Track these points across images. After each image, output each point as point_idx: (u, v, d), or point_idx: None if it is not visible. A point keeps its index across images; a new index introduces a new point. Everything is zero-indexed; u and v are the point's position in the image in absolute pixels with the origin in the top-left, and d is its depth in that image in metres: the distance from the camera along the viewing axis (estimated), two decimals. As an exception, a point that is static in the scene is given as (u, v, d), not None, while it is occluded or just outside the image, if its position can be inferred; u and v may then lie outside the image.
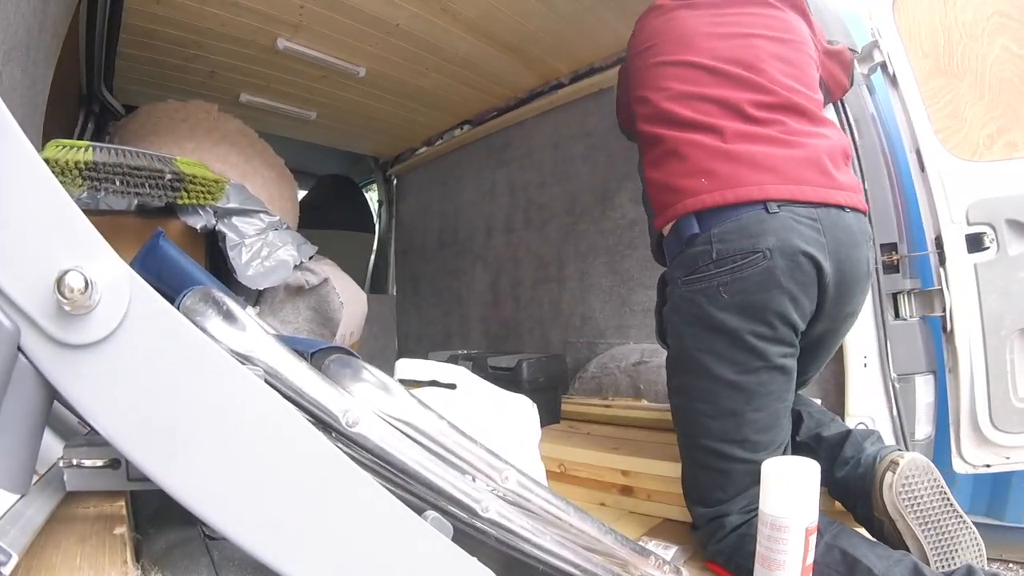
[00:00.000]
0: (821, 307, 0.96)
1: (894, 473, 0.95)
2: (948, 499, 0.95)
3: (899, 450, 1.01)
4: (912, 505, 0.94)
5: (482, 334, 2.69)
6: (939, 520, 0.94)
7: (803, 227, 0.92)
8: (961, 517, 0.95)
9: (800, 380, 1.05)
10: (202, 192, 1.35)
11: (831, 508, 1.15)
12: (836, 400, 1.34)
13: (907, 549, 0.94)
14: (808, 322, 0.96)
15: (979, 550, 0.95)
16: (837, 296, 0.97)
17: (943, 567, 0.93)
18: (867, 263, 1.01)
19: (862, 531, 1.03)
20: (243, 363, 0.48)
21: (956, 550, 0.95)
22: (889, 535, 0.97)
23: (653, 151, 1.05)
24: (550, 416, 1.68)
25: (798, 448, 1.11)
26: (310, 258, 1.69)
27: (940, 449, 1.27)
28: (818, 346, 1.04)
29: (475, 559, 0.51)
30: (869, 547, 0.88)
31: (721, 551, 0.97)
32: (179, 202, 1.32)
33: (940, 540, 0.94)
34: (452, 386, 1.04)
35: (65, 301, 0.35)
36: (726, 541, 0.96)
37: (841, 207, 0.96)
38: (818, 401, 1.27)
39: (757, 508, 0.85)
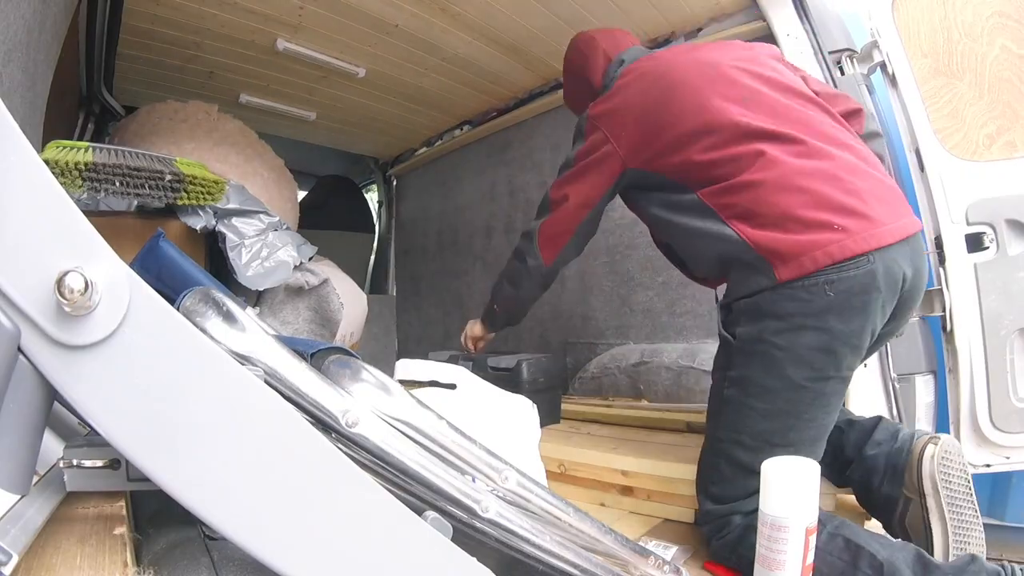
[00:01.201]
0: (895, 313, 0.98)
1: (936, 446, 0.97)
2: (971, 488, 0.98)
3: (935, 434, 1.03)
4: (946, 481, 0.96)
5: (482, 334, 2.69)
6: (962, 506, 0.97)
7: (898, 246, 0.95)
8: (976, 510, 0.98)
9: None
10: (202, 193, 1.35)
11: (831, 508, 1.16)
12: (836, 400, 1.34)
13: (929, 532, 0.95)
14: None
15: (982, 549, 0.96)
16: (909, 301, 0.99)
17: (959, 553, 0.95)
18: (929, 274, 1.04)
19: (870, 527, 1.04)
20: (243, 364, 0.48)
21: (968, 542, 0.96)
22: (912, 517, 0.98)
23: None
24: (550, 416, 1.67)
25: None
26: (310, 259, 1.69)
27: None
28: (871, 349, 1.05)
29: (475, 559, 0.51)
30: (871, 536, 0.89)
31: (726, 544, 0.98)
32: (179, 203, 1.33)
33: (960, 527, 0.96)
34: (452, 386, 1.04)
35: (65, 302, 0.35)
36: (732, 535, 0.97)
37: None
38: None
39: None
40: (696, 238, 1.06)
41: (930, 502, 0.96)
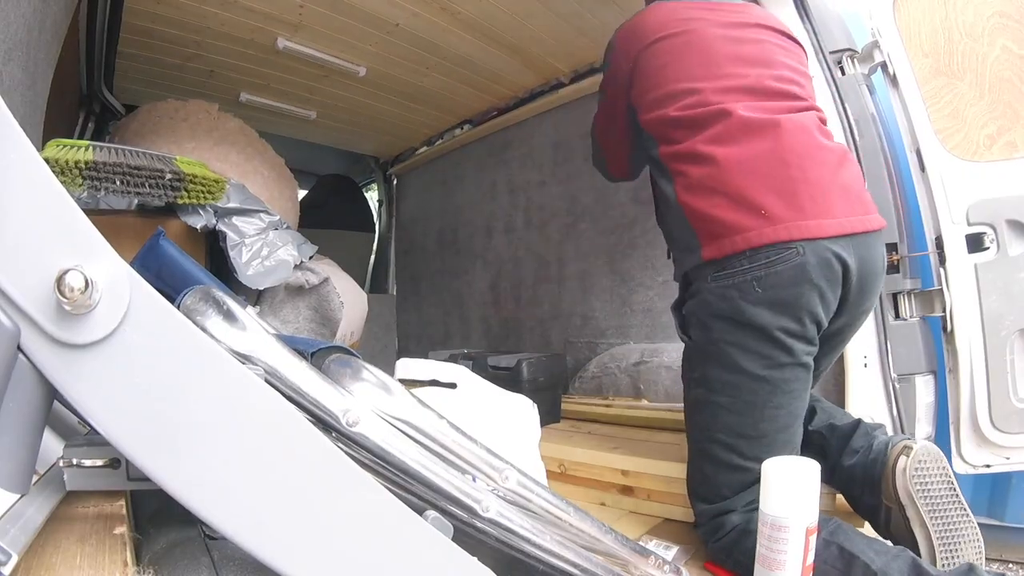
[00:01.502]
0: (843, 303, 0.98)
1: (907, 457, 0.96)
2: (955, 490, 0.96)
3: (910, 439, 1.02)
4: (923, 491, 0.95)
5: (482, 334, 2.69)
6: (946, 510, 0.95)
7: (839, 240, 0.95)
8: (965, 510, 0.96)
9: (813, 375, 1.06)
10: (202, 192, 1.35)
11: (831, 508, 1.16)
12: (836, 400, 1.34)
13: (914, 539, 0.95)
14: (829, 319, 0.98)
15: (979, 548, 0.96)
16: (858, 292, 0.99)
17: (948, 559, 0.94)
18: (883, 260, 1.03)
19: (866, 528, 1.03)
20: (243, 363, 0.48)
21: (959, 544, 0.95)
22: (896, 525, 0.98)
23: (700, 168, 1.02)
24: (550, 416, 1.68)
25: (811, 436, 1.12)
26: (310, 258, 1.69)
27: (939, 448, 1.27)
28: (832, 341, 1.06)
29: (475, 559, 0.51)
30: (867, 543, 0.88)
31: (722, 548, 0.98)
32: (179, 202, 1.32)
33: (946, 531, 0.95)
34: (452, 385, 1.04)
35: (65, 301, 0.35)
36: (727, 538, 0.97)
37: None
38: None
39: (758, 503, 0.85)
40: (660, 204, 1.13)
41: (910, 512, 0.95)
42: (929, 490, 0.95)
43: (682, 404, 1.10)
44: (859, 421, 1.10)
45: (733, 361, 0.96)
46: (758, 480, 0.87)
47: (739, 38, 1.07)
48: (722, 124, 0.99)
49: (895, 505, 0.97)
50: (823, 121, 1.07)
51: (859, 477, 1.03)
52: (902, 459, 0.96)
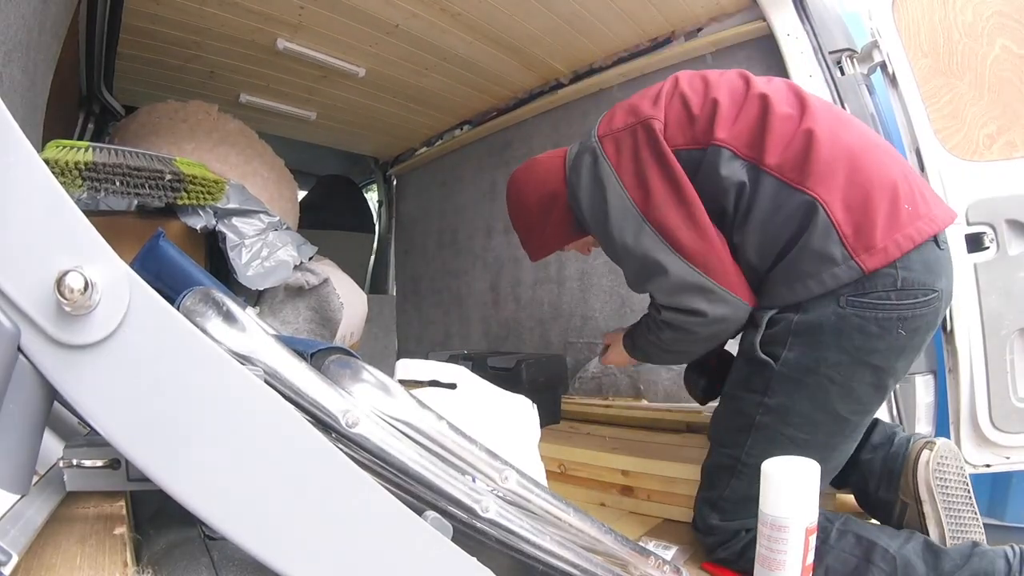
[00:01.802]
0: None
1: (931, 451, 0.96)
2: (969, 490, 0.97)
3: (931, 437, 1.03)
4: (942, 486, 0.96)
5: (482, 334, 2.69)
6: (960, 509, 0.96)
7: (951, 266, 0.90)
8: (975, 512, 0.98)
9: None
10: (202, 193, 1.35)
11: (832, 508, 1.15)
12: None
13: (926, 534, 0.95)
14: None
15: None
16: None
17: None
18: None
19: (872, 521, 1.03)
20: (243, 363, 0.48)
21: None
22: (910, 521, 0.98)
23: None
24: (550, 416, 1.67)
25: None
26: (310, 258, 1.69)
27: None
28: None
29: (475, 559, 0.51)
30: (879, 529, 0.90)
31: (731, 556, 0.97)
32: (179, 203, 1.32)
33: (958, 529, 0.95)
34: (452, 386, 1.04)
35: (65, 302, 0.35)
36: (738, 545, 0.96)
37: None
38: None
39: None
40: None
41: (927, 508, 0.95)
42: (947, 486, 0.96)
43: (682, 404, 1.09)
44: (877, 420, 1.10)
45: (829, 400, 0.88)
46: None
47: None
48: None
49: (912, 500, 0.97)
50: None
51: (878, 471, 1.03)
52: (925, 453, 0.97)
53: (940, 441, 0.98)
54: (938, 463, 0.96)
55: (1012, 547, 0.86)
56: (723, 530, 0.98)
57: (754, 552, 0.89)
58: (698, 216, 0.92)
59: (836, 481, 1.11)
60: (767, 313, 0.93)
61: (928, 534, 0.95)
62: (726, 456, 0.98)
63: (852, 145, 0.88)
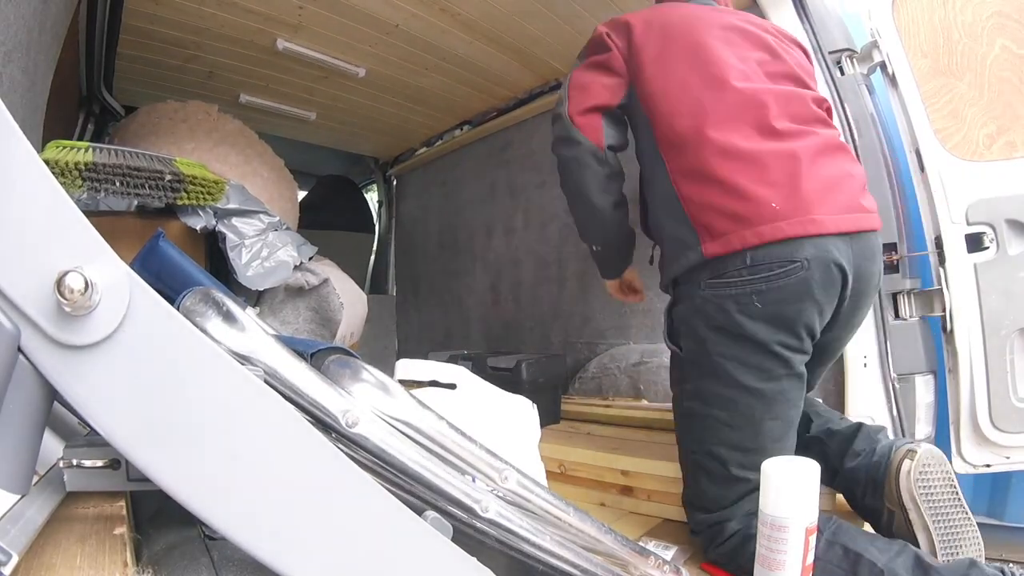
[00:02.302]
0: (836, 315, 0.97)
1: (912, 460, 0.95)
2: (957, 493, 0.96)
3: (913, 442, 1.01)
4: (926, 494, 0.94)
5: (482, 334, 2.69)
6: (948, 513, 0.95)
7: (838, 239, 0.93)
8: (967, 513, 0.96)
9: (807, 383, 1.05)
10: (202, 193, 1.35)
11: (831, 508, 1.15)
12: (836, 400, 1.34)
13: (915, 541, 0.94)
14: (822, 329, 0.97)
15: (979, 549, 0.96)
16: (851, 306, 0.99)
17: (949, 560, 0.93)
18: (879, 276, 1.02)
19: (866, 528, 1.03)
20: (243, 363, 0.48)
21: (961, 545, 0.95)
22: (898, 527, 0.97)
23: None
24: (550, 416, 1.68)
25: (809, 443, 1.11)
26: (310, 259, 1.69)
27: (940, 449, 1.27)
28: (824, 352, 1.05)
29: (475, 559, 0.51)
30: (869, 540, 0.88)
31: (723, 554, 0.98)
32: (179, 203, 1.33)
33: (948, 534, 0.94)
34: (452, 386, 1.04)
35: (65, 302, 0.35)
36: (727, 545, 0.97)
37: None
38: (819, 401, 1.27)
39: (757, 510, 0.85)
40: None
41: (912, 515, 0.94)
42: (932, 493, 0.95)
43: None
44: (860, 425, 1.10)
45: (730, 375, 0.94)
46: (756, 490, 0.87)
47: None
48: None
49: (898, 508, 0.96)
50: (826, 111, 1.07)
51: (862, 479, 1.02)
52: (906, 463, 0.95)
53: (921, 449, 0.96)
54: (920, 473, 0.94)
55: (1004, 568, 0.85)
56: (705, 524, 1.00)
57: (746, 555, 0.90)
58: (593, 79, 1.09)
59: (825, 480, 1.11)
60: (667, 307, 1.06)
61: (917, 539, 0.94)
62: (684, 452, 1.05)
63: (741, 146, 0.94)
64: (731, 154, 0.94)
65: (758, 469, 0.88)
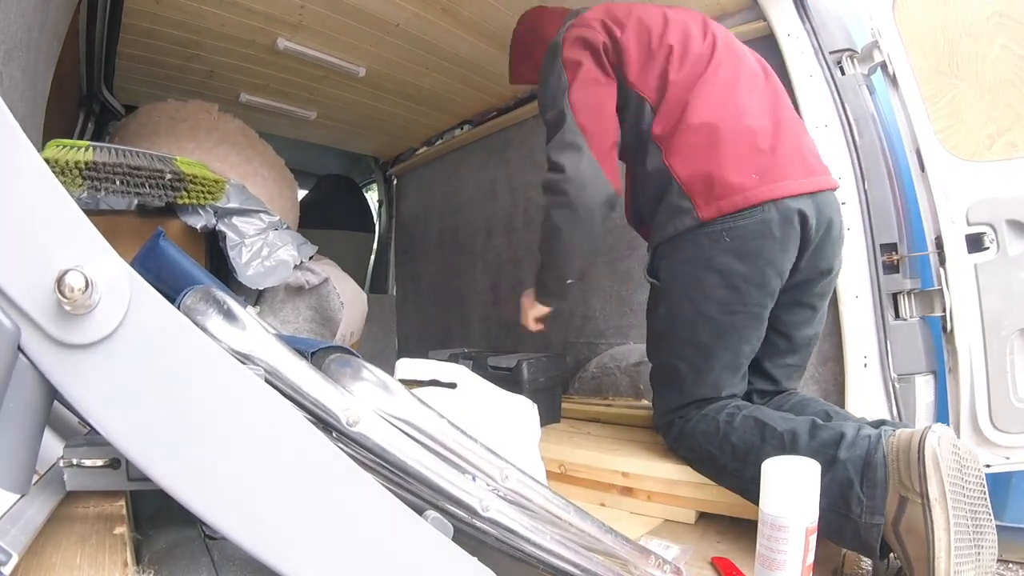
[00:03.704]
0: (802, 252, 1.10)
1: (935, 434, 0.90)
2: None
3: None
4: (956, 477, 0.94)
5: (482, 334, 2.69)
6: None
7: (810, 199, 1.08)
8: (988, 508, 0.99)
9: (791, 341, 1.19)
10: (202, 192, 1.35)
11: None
12: (836, 400, 1.34)
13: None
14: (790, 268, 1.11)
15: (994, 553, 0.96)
16: (814, 251, 1.11)
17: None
18: (840, 228, 1.15)
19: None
20: (243, 362, 0.48)
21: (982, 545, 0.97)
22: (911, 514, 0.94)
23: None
24: (550, 416, 1.67)
25: None
26: (310, 258, 1.69)
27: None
28: (797, 299, 1.16)
29: (475, 559, 0.51)
30: (777, 415, 1.03)
31: (673, 439, 1.18)
32: (179, 202, 1.33)
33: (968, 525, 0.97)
34: (452, 385, 1.03)
35: (65, 301, 0.35)
36: (673, 432, 1.17)
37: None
38: (842, 410, 1.27)
39: (709, 408, 1.10)
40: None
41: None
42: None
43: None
44: (883, 421, 1.10)
45: (694, 303, 1.10)
46: (704, 400, 1.12)
47: None
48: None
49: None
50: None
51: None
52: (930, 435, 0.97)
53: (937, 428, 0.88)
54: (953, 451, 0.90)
55: (873, 426, 0.93)
56: (661, 424, 1.21)
57: (688, 436, 1.12)
58: (605, 106, 1.20)
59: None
60: (651, 247, 1.21)
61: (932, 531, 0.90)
62: (653, 369, 1.26)
63: (717, 122, 1.09)
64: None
65: (707, 386, 1.12)
